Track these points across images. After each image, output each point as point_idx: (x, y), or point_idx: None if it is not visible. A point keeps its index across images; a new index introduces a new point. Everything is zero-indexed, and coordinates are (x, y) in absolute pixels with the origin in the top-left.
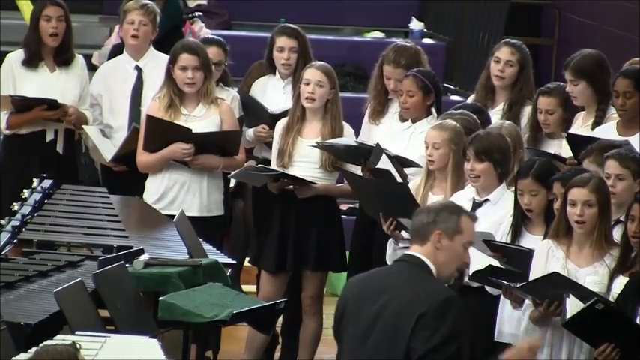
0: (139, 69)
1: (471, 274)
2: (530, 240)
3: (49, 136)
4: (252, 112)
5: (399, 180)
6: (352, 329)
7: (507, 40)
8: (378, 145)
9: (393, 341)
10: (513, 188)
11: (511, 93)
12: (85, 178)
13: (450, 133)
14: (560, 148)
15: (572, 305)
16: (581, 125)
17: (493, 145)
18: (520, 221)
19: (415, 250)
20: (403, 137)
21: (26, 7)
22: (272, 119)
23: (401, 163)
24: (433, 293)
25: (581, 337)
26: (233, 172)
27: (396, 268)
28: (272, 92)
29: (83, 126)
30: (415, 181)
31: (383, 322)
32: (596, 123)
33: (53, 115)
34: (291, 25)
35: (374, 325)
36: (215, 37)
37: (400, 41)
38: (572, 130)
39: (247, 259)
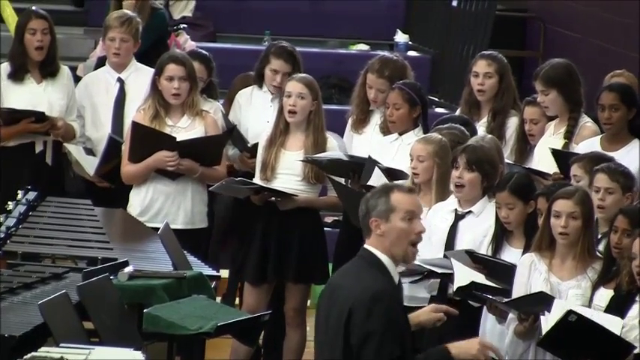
0: (121, 81)
1: (454, 289)
2: (511, 253)
3: (38, 148)
4: (236, 139)
5: None
6: (317, 328)
7: (483, 52)
8: (370, 157)
9: (334, 339)
10: (495, 201)
11: (494, 103)
12: (72, 190)
13: (435, 147)
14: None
15: (547, 322)
16: (552, 133)
17: (486, 156)
18: (501, 234)
19: (367, 243)
20: (390, 149)
21: (11, 19)
22: (252, 150)
23: (392, 174)
24: (364, 290)
25: (558, 355)
26: (214, 185)
27: (351, 264)
28: (259, 104)
29: (65, 144)
30: None
31: (329, 321)
32: (569, 132)
33: (41, 128)
34: (289, 48)
35: (325, 324)
36: (201, 52)
37: (388, 53)
38: (543, 139)
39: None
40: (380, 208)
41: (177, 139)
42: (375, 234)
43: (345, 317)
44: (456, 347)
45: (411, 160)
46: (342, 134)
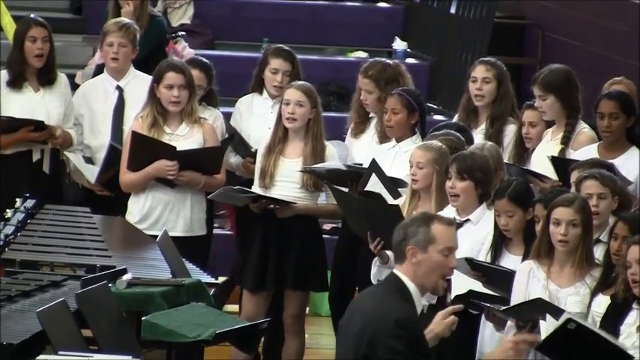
0: (120, 89)
1: (452, 297)
2: (510, 260)
3: (36, 156)
4: (238, 146)
5: (390, 200)
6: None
7: (482, 58)
8: (374, 161)
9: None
10: (494, 209)
11: (492, 109)
12: (70, 198)
13: (435, 154)
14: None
15: (546, 327)
16: (550, 139)
17: (476, 164)
18: (500, 241)
19: (398, 270)
20: (388, 156)
21: (9, 26)
22: (256, 155)
23: (391, 182)
24: (388, 313)
25: None
26: (213, 193)
27: (374, 288)
28: (260, 111)
29: (65, 152)
30: (399, 201)
31: (345, 341)
32: (566, 137)
33: (39, 137)
34: (286, 48)
35: (340, 343)
36: (202, 59)
37: (383, 59)
38: (541, 145)
39: None
40: (419, 237)
41: (177, 149)
42: (409, 261)
43: (365, 338)
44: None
45: (411, 166)
46: (341, 141)
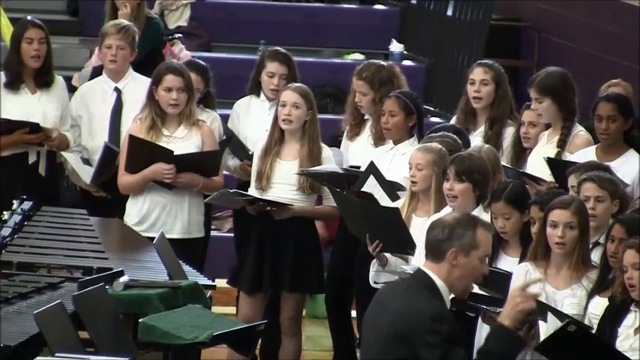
0: (118, 91)
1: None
2: (507, 262)
3: (32, 158)
4: (235, 148)
5: (387, 202)
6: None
7: (480, 61)
8: (372, 163)
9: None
10: (491, 211)
11: (490, 111)
12: (67, 200)
13: (435, 156)
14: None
15: (546, 329)
16: (546, 142)
17: (475, 165)
18: (497, 243)
19: (428, 267)
20: (385, 159)
21: (6, 28)
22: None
23: (389, 186)
24: (422, 310)
25: None
26: (210, 197)
27: (399, 283)
28: (258, 113)
29: (62, 152)
30: (398, 202)
31: (371, 339)
32: (562, 141)
33: (34, 139)
34: (282, 51)
35: (365, 340)
36: (199, 62)
37: (378, 60)
38: (537, 148)
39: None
40: (465, 241)
41: (174, 153)
42: (448, 262)
43: (395, 335)
44: (504, 317)
45: (410, 168)
46: (337, 143)
